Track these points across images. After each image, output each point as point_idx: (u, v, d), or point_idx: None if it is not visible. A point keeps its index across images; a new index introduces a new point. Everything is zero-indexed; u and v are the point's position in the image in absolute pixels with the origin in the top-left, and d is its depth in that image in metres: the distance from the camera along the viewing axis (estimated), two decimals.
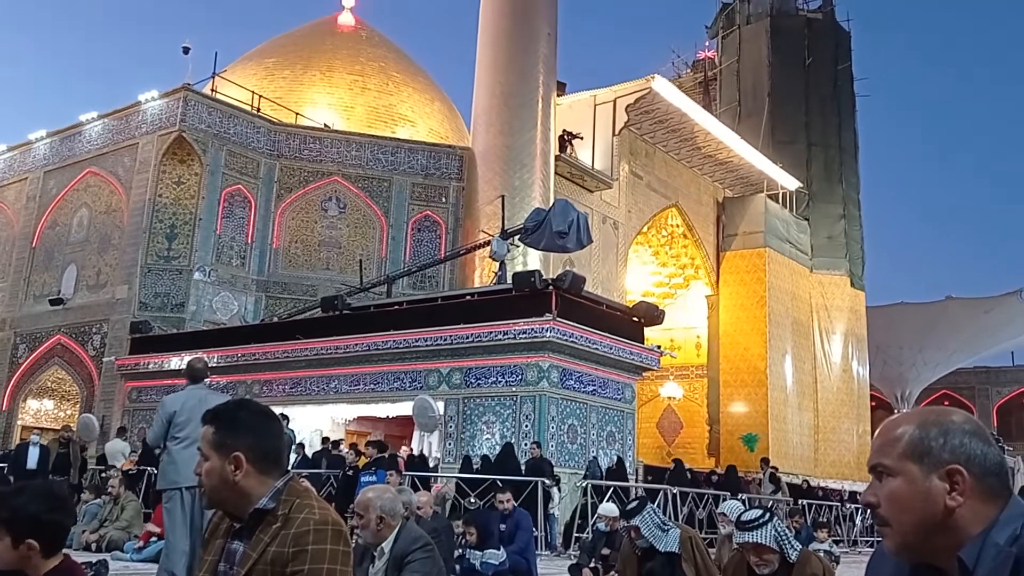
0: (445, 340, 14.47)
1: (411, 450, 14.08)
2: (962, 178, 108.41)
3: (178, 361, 17.72)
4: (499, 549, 6.58)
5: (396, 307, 16.43)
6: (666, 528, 5.26)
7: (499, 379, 14.01)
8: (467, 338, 14.23)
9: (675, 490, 13.74)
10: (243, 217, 21.35)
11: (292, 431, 14.42)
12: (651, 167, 27.43)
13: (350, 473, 11.73)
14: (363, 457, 12.16)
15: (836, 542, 14.20)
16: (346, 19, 30.11)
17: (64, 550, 2.38)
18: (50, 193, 23.32)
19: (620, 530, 6.78)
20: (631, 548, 5.33)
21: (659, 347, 17.03)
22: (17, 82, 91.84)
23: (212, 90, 22.50)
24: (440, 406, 14.30)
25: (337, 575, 1.93)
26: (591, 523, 10.77)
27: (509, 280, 15.24)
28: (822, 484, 23.41)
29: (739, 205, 30.10)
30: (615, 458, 14.29)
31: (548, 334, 13.46)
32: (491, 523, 6.91)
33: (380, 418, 16.61)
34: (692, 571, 5.05)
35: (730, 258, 29.57)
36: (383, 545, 3.92)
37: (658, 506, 10.60)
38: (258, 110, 23.05)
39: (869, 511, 1.46)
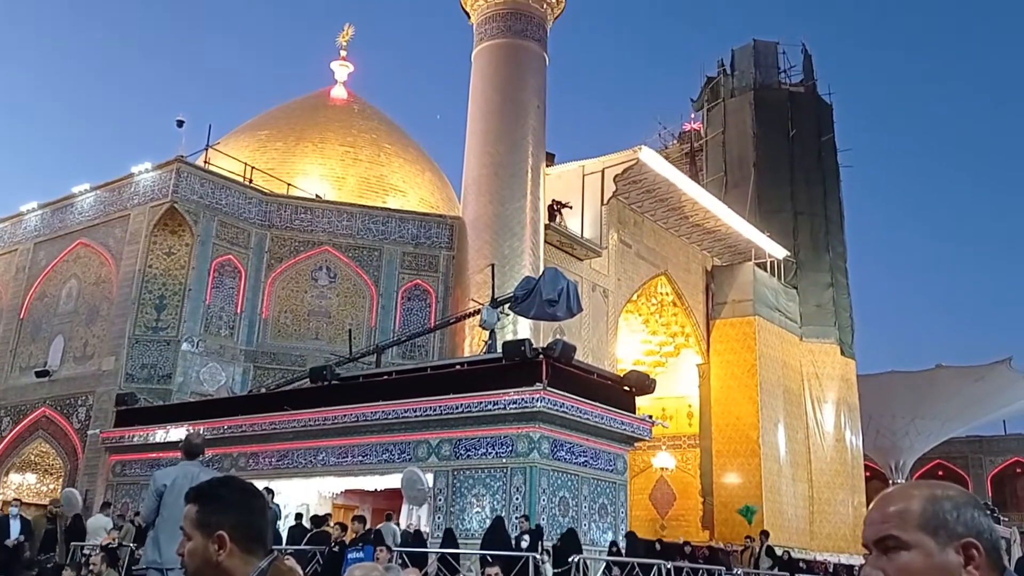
0: (434, 411, 14.32)
1: (409, 523, 13.82)
2: (947, 246, 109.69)
3: (163, 434, 17.50)
4: None
5: (385, 377, 16.31)
6: None
7: (489, 450, 13.84)
8: (457, 408, 14.10)
9: (669, 565, 13.46)
10: (233, 287, 21.33)
11: (278, 505, 14.17)
12: (640, 236, 27.66)
13: (336, 549, 11.47)
14: (349, 532, 11.91)
15: None
16: (339, 93, 30.64)
17: None
18: (40, 264, 23.29)
19: None
20: None
21: (651, 417, 16.89)
22: (11, 155, 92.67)
23: (205, 162, 22.72)
24: (429, 478, 14.08)
25: None
26: None
27: (499, 349, 15.18)
28: (817, 557, 23.01)
29: (728, 273, 30.29)
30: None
31: (539, 404, 13.35)
32: None
33: (368, 491, 16.32)
34: None
35: (720, 326, 29.61)
36: None
37: None
38: (250, 181, 23.24)
39: None
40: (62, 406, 20.72)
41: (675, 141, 39.96)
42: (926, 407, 38.10)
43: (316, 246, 22.42)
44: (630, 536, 15.11)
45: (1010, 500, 44.15)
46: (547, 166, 24.29)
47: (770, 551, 17.88)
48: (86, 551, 12.96)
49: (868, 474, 34.31)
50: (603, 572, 11.50)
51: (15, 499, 15.75)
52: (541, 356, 13.96)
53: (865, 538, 1.46)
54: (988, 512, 1.46)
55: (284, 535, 13.42)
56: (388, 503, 16.14)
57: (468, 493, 13.84)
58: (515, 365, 13.94)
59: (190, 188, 20.93)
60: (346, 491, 16.84)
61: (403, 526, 13.79)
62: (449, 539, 12.71)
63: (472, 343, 20.69)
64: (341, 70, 31.05)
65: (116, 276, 21.00)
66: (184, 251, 20.76)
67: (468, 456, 14.03)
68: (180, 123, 23.33)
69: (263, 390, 19.32)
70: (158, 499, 5.60)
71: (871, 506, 1.47)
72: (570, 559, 12.05)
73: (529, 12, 24.15)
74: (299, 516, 14.81)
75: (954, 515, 1.38)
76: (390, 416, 14.75)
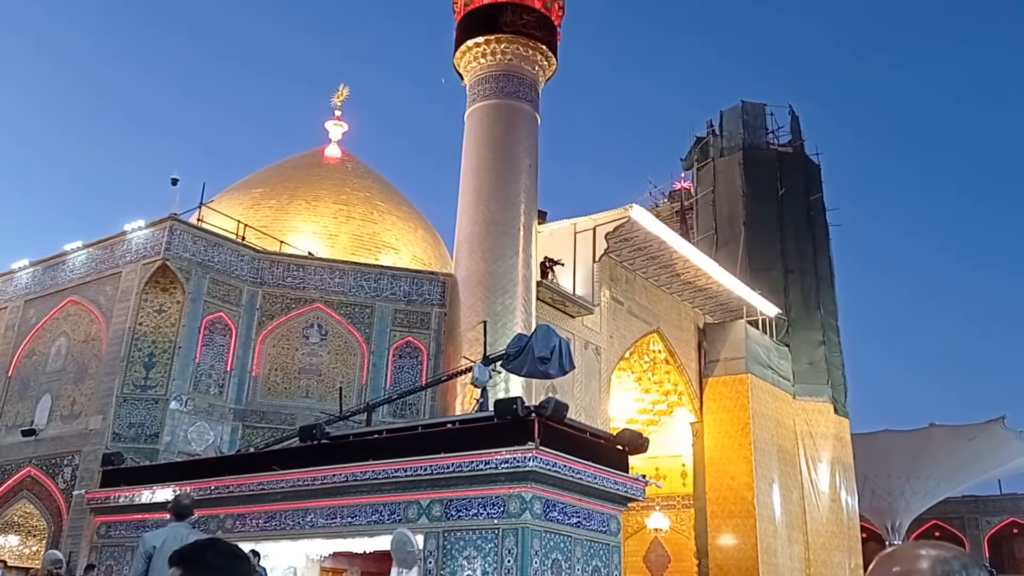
0: (425, 470, 14.13)
1: None
2: (937, 305, 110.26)
3: (149, 495, 17.21)
4: None
5: (375, 436, 16.11)
6: None
7: (480, 511, 13.62)
8: (448, 468, 13.91)
9: None
10: (223, 345, 21.21)
11: (264, 569, 13.87)
12: (632, 293, 27.73)
13: None
14: None
15: None
16: (333, 151, 30.94)
17: None
18: (30, 322, 23.16)
19: None
20: None
21: (644, 476, 16.68)
22: (5, 213, 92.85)
23: (198, 219, 22.80)
24: (419, 540, 13.82)
25: None
26: None
27: (491, 407, 15.05)
28: None
29: (720, 331, 30.31)
30: None
31: (531, 463, 13.18)
32: None
33: (357, 554, 16.00)
34: None
35: (713, 384, 29.51)
36: None
37: None
38: (243, 238, 23.30)
39: None
40: (47, 466, 20.40)
41: (665, 200, 40.42)
42: (921, 467, 37.85)
43: (308, 303, 22.39)
44: None
45: (1007, 561, 43.58)
46: (539, 224, 24.46)
47: None
48: None
49: (864, 535, 33.88)
50: None
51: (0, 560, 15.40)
52: (533, 414, 13.83)
53: None
54: (990, 573, 1.44)
55: None
56: (377, 566, 15.82)
57: (459, 555, 13.58)
58: (507, 424, 13.81)
59: (182, 246, 20.95)
60: (334, 553, 16.50)
61: None
62: None
63: (464, 401, 20.55)
64: (335, 129, 31.42)
65: (106, 334, 20.88)
66: (175, 308, 20.69)
67: (459, 517, 13.80)
68: (174, 181, 23.51)
69: (251, 449, 19.08)
70: (147, 562, 5.47)
71: (874, 567, 1.45)
72: None
73: (521, 74, 24.57)
74: None
75: (963, 574, 1.35)
76: (380, 476, 14.54)
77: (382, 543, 14.25)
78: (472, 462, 13.70)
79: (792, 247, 32.74)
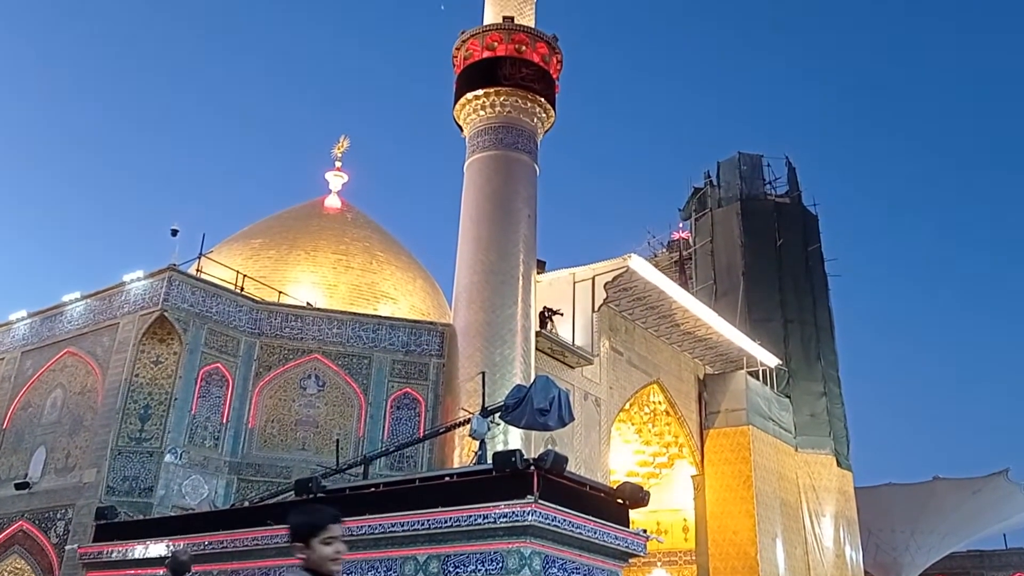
0: (422, 524, 13.89)
1: None
2: (936, 356, 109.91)
3: (142, 550, 16.93)
4: None
5: (372, 489, 15.88)
6: None
7: (479, 567, 13.35)
8: (445, 522, 13.67)
9: None
10: (219, 396, 21.04)
11: None
12: (631, 343, 27.62)
13: None
14: None
15: None
16: (333, 202, 31.10)
17: None
18: (26, 374, 23.01)
19: None
20: None
21: (645, 531, 16.40)
22: (4, 264, 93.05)
23: (198, 270, 22.79)
24: None
25: None
26: None
27: (489, 460, 14.85)
28: None
29: (720, 382, 30.12)
30: None
31: (530, 517, 12.96)
32: None
33: None
34: None
35: (714, 436, 29.23)
36: None
37: None
38: (242, 289, 23.26)
39: None
40: (40, 520, 20.08)
41: (664, 250, 40.57)
42: (925, 521, 37.34)
43: (305, 354, 22.26)
44: None
45: None
46: (538, 273, 24.46)
47: None
48: None
49: None
50: None
51: None
52: (532, 467, 13.64)
53: None
54: None
55: None
56: None
57: None
58: (505, 477, 13.61)
59: (181, 296, 20.90)
60: None
61: None
62: None
63: (462, 453, 20.32)
64: (336, 180, 31.63)
65: (102, 386, 20.72)
66: (172, 360, 20.56)
67: (457, 573, 13.52)
68: (174, 232, 23.55)
69: (246, 503, 18.81)
70: None
71: None
72: None
73: (520, 126, 24.80)
74: None
75: None
76: (376, 531, 14.29)
77: None
78: (470, 516, 13.47)
79: (791, 298, 32.73)
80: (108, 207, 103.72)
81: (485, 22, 26.41)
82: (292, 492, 16.70)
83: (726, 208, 35.33)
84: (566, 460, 14.85)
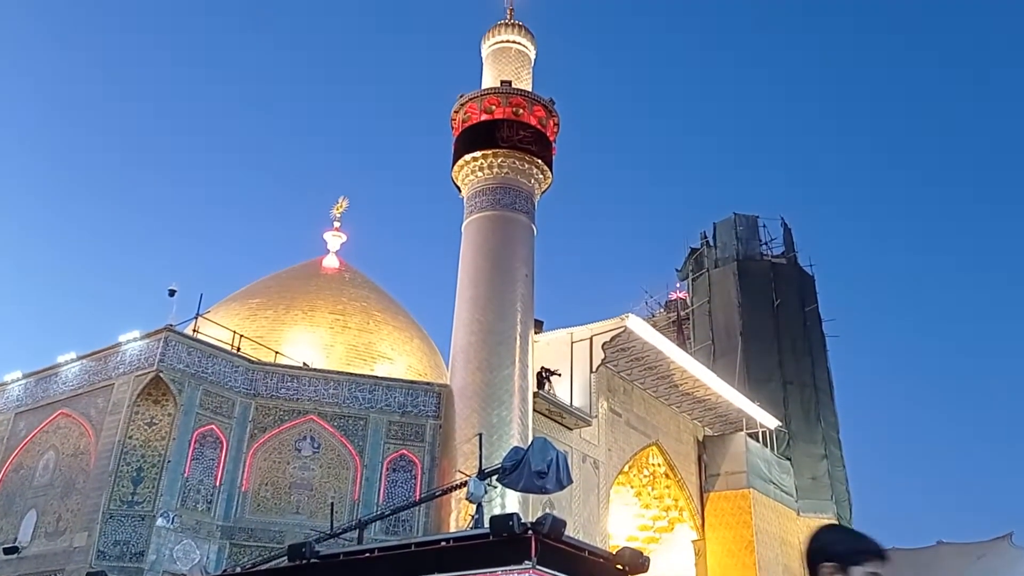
0: None
1: None
2: (939, 417, 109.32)
3: None
4: None
5: (367, 555, 15.57)
6: None
7: None
8: None
9: None
10: (213, 459, 20.79)
11: None
12: (630, 404, 27.45)
13: None
14: None
15: None
16: (331, 262, 31.22)
17: None
18: (19, 435, 22.78)
19: None
20: None
21: None
22: (1, 324, 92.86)
23: (194, 330, 22.74)
24: None
25: None
26: None
27: (486, 524, 14.62)
28: None
29: (720, 444, 29.85)
30: None
31: None
32: None
33: None
34: None
35: (714, 499, 28.86)
36: None
37: None
38: (238, 349, 23.18)
39: None
40: None
41: (662, 309, 40.60)
42: None
43: (301, 415, 22.08)
44: None
45: None
46: (535, 333, 24.44)
47: None
48: None
49: None
50: None
51: None
52: (530, 532, 13.40)
53: None
54: None
55: None
56: None
57: None
58: (503, 541, 13.36)
59: (177, 357, 20.81)
60: None
61: None
62: None
63: (458, 517, 20.02)
64: (334, 240, 31.80)
65: (95, 447, 20.50)
66: (166, 421, 20.38)
67: None
68: (172, 292, 23.55)
69: (238, 569, 18.44)
70: None
71: None
72: None
73: (517, 187, 25.05)
74: None
75: None
76: None
77: None
78: None
79: (790, 358, 32.67)
80: (106, 267, 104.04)
81: (483, 86, 26.90)
82: (285, 557, 16.39)
83: (723, 268, 35.51)
84: (564, 524, 14.61)
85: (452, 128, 26.61)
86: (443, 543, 15.36)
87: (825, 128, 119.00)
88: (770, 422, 30.27)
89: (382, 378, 24.07)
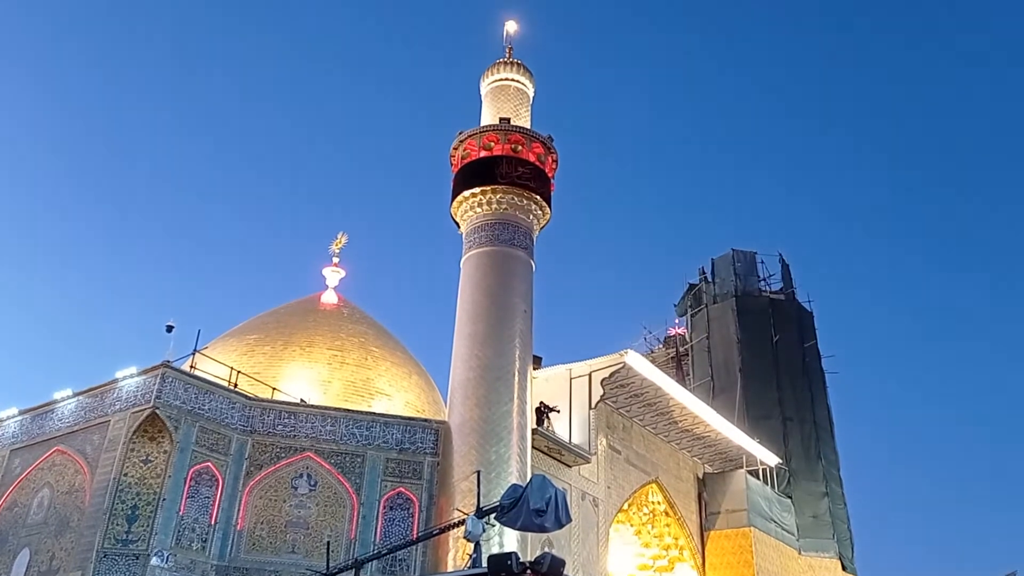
0: None
1: None
2: (940, 454, 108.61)
3: None
4: None
5: None
6: None
7: None
8: None
9: None
10: (208, 497, 20.56)
11: None
12: (629, 441, 27.26)
13: None
14: None
15: None
16: (329, 298, 31.19)
17: None
18: (14, 472, 22.58)
19: None
20: None
21: None
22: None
23: (192, 366, 22.62)
24: None
25: None
26: None
27: (484, 563, 14.42)
28: None
29: (720, 482, 29.60)
30: None
31: None
32: None
33: None
34: None
35: (715, 538, 28.55)
36: None
37: None
38: (235, 385, 23.06)
39: None
40: None
41: (661, 345, 40.48)
42: None
43: (298, 452, 21.90)
44: None
45: None
46: (534, 369, 24.34)
47: None
48: None
49: None
50: None
51: None
52: (528, 571, 13.22)
53: None
54: None
55: None
56: None
57: None
58: None
59: (173, 393, 20.69)
60: None
61: None
62: None
63: (456, 556, 19.78)
64: (333, 276, 31.83)
65: (90, 485, 20.29)
66: (162, 458, 20.20)
67: None
68: (169, 328, 23.47)
69: None
70: None
71: None
72: None
73: (516, 223, 25.13)
74: None
75: None
76: None
77: None
78: None
79: (789, 395, 32.54)
80: (104, 304, 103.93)
81: (482, 123, 27.10)
82: None
83: (721, 304, 35.49)
84: (563, 563, 14.39)
85: (451, 164, 26.77)
86: None
87: (823, 166, 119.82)
88: (770, 459, 30.04)
89: (380, 414, 23.91)
